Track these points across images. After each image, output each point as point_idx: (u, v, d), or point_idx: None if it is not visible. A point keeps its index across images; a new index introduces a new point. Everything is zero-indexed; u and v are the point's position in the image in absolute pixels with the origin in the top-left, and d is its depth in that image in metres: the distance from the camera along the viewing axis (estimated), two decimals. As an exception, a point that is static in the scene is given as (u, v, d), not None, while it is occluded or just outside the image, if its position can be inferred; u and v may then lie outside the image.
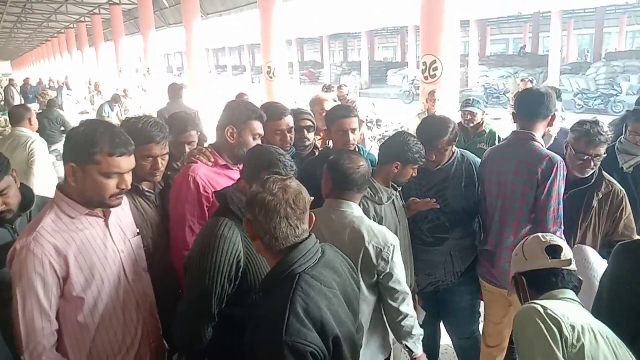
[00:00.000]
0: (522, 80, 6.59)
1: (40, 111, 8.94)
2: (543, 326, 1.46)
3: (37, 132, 8.77)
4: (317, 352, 1.41)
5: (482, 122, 4.62)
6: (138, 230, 2.04)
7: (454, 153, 2.72)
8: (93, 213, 1.77)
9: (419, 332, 2.26)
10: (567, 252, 1.74)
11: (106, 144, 1.67)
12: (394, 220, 2.51)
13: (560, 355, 1.41)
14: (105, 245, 1.79)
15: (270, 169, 1.87)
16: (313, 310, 1.44)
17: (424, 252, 2.73)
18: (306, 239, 1.54)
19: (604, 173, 2.66)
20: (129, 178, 1.77)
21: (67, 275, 1.68)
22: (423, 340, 3.07)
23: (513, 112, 2.75)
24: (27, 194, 2.11)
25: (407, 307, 2.19)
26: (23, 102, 16.34)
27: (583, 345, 1.43)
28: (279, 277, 1.51)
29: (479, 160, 2.81)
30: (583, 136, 2.54)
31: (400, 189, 2.63)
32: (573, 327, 1.45)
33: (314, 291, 1.48)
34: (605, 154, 2.57)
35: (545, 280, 1.69)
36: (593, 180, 2.60)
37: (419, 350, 2.27)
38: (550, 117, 2.60)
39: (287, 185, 1.52)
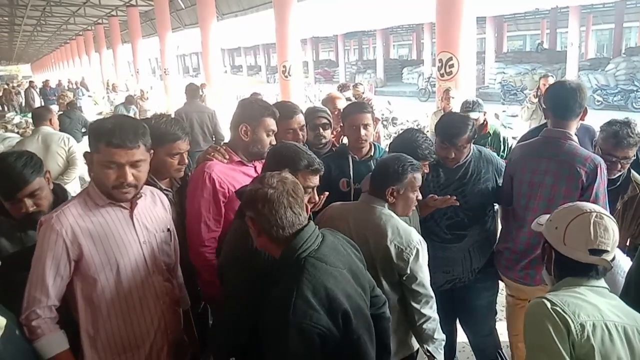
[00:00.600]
0: (544, 76, 6.47)
1: (61, 112, 9.08)
2: (550, 325, 1.42)
3: (61, 131, 8.97)
4: (324, 332, 1.47)
5: (486, 123, 4.54)
6: (169, 227, 2.06)
7: (471, 149, 2.71)
8: (117, 204, 1.83)
9: (441, 337, 2.24)
10: (610, 254, 1.60)
11: (107, 134, 1.72)
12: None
13: (565, 355, 1.38)
14: (126, 234, 1.86)
15: (296, 163, 1.93)
16: (319, 290, 1.50)
17: (442, 249, 2.71)
18: (305, 225, 1.62)
19: (634, 174, 2.59)
20: (130, 172, 1.76)
21: (80, 257, 1.76)
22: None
23: (544, 107, 2.63)
24: (60, 194, 2.16)
25: (430, 310, 2.18)
26: (43, 104, 16.65)
27: (592, 345, 1.39)
28: (287, 262, 1.57)
29: (495, 155, 2.78)
30: (611, 137, 2.48)
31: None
32: (582, 326, 1.41)
33: (319, 272, 1.54)
34: (634, 156, 2.50)
35: (576, 269, 1.60)
36: (619, 182, 2.54)
37: (440, 356, 2.24)
38: (582, 112, 2.47)
39: (284, 177, 1.62)
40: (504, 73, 23.17)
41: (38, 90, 19.38)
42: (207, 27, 14.11)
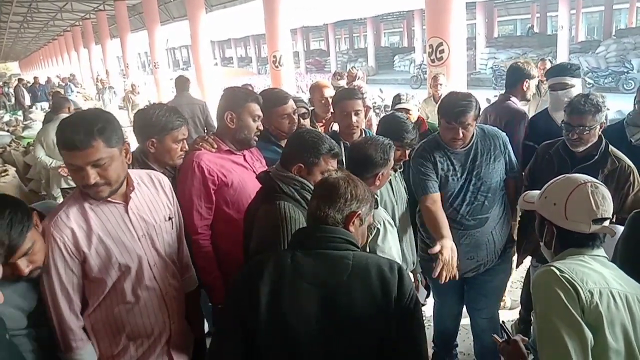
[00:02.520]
0: (542, 60, 6.40)
1: (49, 109, 9.00)
2: (561, 291, 1.42)
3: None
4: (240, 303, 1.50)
5: (422, 120, 4.20)
6: (170, 215, 2.03)
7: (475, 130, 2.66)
8: (110, 200, 1.79)
9: None
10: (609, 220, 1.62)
11: (60, 137, 1.65)
12: (390, 200, 2.51)
13: (579, 318, 1.39)
14: (123, 231, 1.82)
15: (319, 147, 1.98)
16: (251, 276, 1.51)
17: (465, 236, 2.66)
18: (321, 226, 1.56)
19: (612, 148, 2.61)
20: (92, 173, 1.66)
21: (85, 259, 1.75)
22: (446, 322, 3.11)
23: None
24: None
25: None
26: (31, 102, 16.53)
27: (600, 312, 1.40)
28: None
29: (498, 130, 2.76)
30: (567, 107, 2.57)
31: (401, 169, 2.62)
32: (591, 293, 1.42)
33: (272, 263, 1.53)
34: (598, 126, 2.53)
35: (578, 242, 1.61)
36: (597, 157, 2.56)
37: None
38: None
39: (342, 174, 1.64)
40: (495, 58, 23.19)
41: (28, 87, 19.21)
42: (196, 19, 14.00)
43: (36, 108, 14.14)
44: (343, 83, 6.27)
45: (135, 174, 1.94)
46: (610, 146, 2.61)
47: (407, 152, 2.56)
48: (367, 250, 2.05)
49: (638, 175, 2.57)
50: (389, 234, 2.14)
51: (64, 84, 21.05)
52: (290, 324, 1.46)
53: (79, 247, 1.73)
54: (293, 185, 1.95)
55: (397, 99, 4.29)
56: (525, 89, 3.54)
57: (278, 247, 1.82)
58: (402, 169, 2.63)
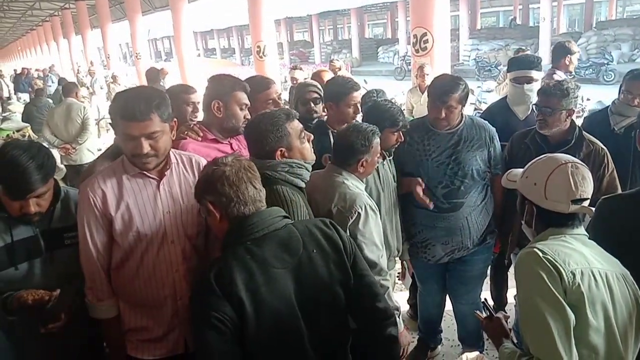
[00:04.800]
0: (521, 50, 6.64)
1: (28, 101, 8.87)
2: (543, 272, 1.45)
3: (26, 121, 8.78)
4: (224, 318, 1.46)
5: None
6: None
7: (463, 116, 2.70)
8: (145, 174, 1.89)
9: (393, 305, 2.21)
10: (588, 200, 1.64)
11: (120, 108, 1.78)
12: (376, 187, 2.52)
13: (562, 300, 1.41)
14: (150, 203, 1.91)
15: (279, 128, 1.97)
16: (223, 280, 1.48)
17: (440, 219, 2.71)
18: (258, 211, 1.58)
19: (585, 133, 2.66)
20: (146, 144, 1.79)
21: (111, 221, 1.88)
22: (429, 309, 3.15)
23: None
24: (56, 191, 2.07)
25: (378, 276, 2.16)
26: (13, 92, 16.21)
27: (582, 292, 1.43)
28: (225, 244, 1.59)
29: (487, 122, 2.80)
30: (539, 90, 2.67)
31: (391, 156, 2.63)
32: (573, 274, 1.45)
33: (235, 262, 1.51)
34: (565, 111, 2.59)
35: (558, 221, 1.62)
36: (573, 141, 2.61)
37: (399, 326, 2.23)
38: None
39: (235, 155, 1.65)
40: (477, 49, 23.33)
41: (6, 79, 18.81)
42: (178, 9, 13.84)
43: (18, 99, 13.89)
44: (300, 75, 6.20)
45: (177, 154, 2.04)
46: (583, 131, 2.67)
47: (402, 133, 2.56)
48: (347, 233, 2.06)
49: (611, 158, 2.63)
50: (370, 219, 2.15)
51: (43, 75, 20.65)
52: (277, 310, 1.51)
53: (107, 209, 1.86)
54: (281, 169, 1.96)
55: (368, 96, 4.23)
56: (567, 63, 4.17)
57: None
58: (391, 156, 2.64)
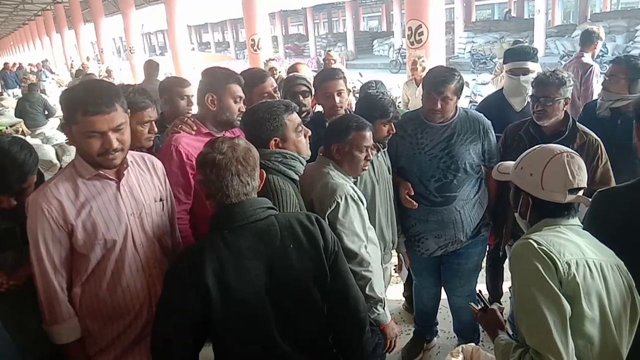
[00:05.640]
0: (516, 42, 6.69)
1: (21, 96, 8.79)
2: (539, 263, 1.44)
3: (19, 116, 8.70)
4: (186, 307, 1.51)
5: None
6: (161, 197, 2.01)
7: (457, 109, 2.68)
8: (104, 175, 1.78)
9: (377, 296, 2.21)
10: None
11: (81, 103, 1.64)
12: (371, 179, 2.51)
13: (557, 291, 1.41)
14: (113, 207, 1.80)
15: (276, 117, 1.98)
16: (194, 266, 1.52)
17: (433, 213, 2.71)
18: (241, 201, 1.58)
19: (579, 125, 2.67)
20: (114, 138, 1.69)
21: (72, 231, 1.74)
22: (425, 302, 3.16)
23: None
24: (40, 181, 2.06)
25: (361, 268, 2.15)
26: (3, 88, 16.08)
27: (577, 283, 1.43)
28: (209, 230, 1.61)
29: (482, 115, 2.79)
30: (534, 80, 2.69)
31: (385, 148, 2.63)
32: (568, 265, 1.44)
33: (209, 250, 1.54)
34: (563, 100, 2.59)
35: (553, 212, 1.62)
36: (567, 132, 2.61)
37: (382, 317, 2.25)
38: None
39: (235, 143, 1.60)
40: (473, 42, 23.31)
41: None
42: (171, 2, 13.73)
43: (8, 95, 13.77)
44: (277, 65, 6.23)
45: (130, 154, 1.92)
46: (577, 123, 2.67)
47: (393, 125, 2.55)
48: (327, 222, 2.07)
49: (604, 149, 2.64)
50: (350, 209, 2.13)
51: (36, 70, 20.49)
52: (245, 299, 1.53)
53: (66, 218, 1.72)
54: (275, 158, 1.95)
55: (366, 86, 4.23)
56: (595, 48, 4.69)
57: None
58: (385, 148, 2.63)
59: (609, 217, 1.75)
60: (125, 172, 1.83)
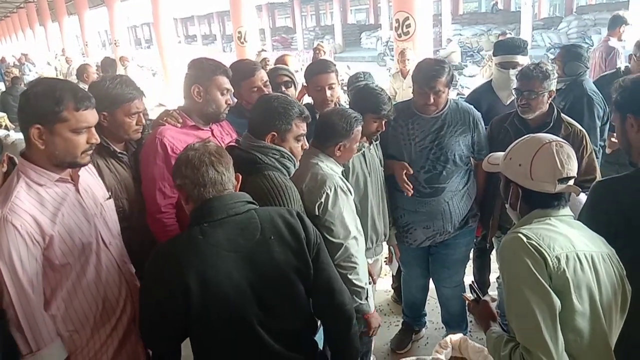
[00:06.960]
0: (503, 34, 6.74)
1: (4, 89, 8.66)
2: (528, 258, 1.43)
3: (3, 111, 8.59)
4: (163, 299, 1.51)
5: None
6: (110, 194, 2.00)
7: (448, 100, 2.67)
8: (63, 179, 1.72)
9: (361, 284, 2.22)
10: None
11: (70, 99, 1.60)
12: (363, 171, 2.50)
13: (547, 286, 1.40)
14: (80, 211, 1.76)
15: (289, 111, 1.97)
16: (170, 260, 1.52)
17: (422, 204, 2.71)
18: (219, 195, 1.57)
19: (563, 116, 2.68)
20: (95, 132, 1.70)
21: (50, 243, 1.65)
22: (413, 293, 3.17)
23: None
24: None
25: (347, 260, 2.16)
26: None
27: (567, 277, 1.42)
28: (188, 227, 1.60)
29: (472, 107, 2.78)
30: (518, 74, 2.68)
31: (377, 141, 2.62)
32: (558, 259, 1.43)
33: (186, 242, 1.54)
34: (547, 93, 2.59)
35: (544, 202, 1.59)
36: (552, 124, 2.62)
37: (366, 307, 2.27)
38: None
39: (207, 142, 1.63)
40: (460, 35, 23.33)
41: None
42: (156, -6, 13.56)
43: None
44: (268, 55, 6.26)
45: None
46: (562, 114, 2.68)
47: (384, 123, 2.53)
48: (317, 213, 2.08)
49: (589, 140, 2.65)
50: (339, 200, 2.13)
51: (20, 64, 20.19)
52: (226, 293, 1.51)
53: (42, 232, 1.62)
54: (272, 154, 1.94)
55: (355, 78, 4.20)
56: (621, 32, 5.04)
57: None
58: (378, 140, 2.62)
59: (609, 207, 1.73)
60: (80, 173, 1.80)
